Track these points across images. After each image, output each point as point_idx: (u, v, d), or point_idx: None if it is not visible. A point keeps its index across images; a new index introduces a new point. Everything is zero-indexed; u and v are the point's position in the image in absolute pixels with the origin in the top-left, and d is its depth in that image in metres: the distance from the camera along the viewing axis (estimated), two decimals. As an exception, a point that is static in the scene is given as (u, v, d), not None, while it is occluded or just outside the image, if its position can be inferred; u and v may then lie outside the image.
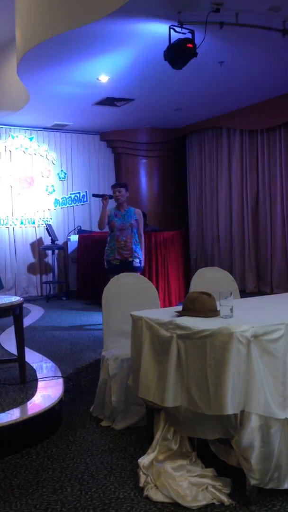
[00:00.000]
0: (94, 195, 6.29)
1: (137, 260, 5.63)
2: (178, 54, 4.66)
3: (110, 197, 5.62)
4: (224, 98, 7.67)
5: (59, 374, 4.01)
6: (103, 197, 5.69)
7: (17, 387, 3.77)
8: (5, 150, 8.97)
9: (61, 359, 4.56)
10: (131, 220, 5.60)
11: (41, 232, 9.23)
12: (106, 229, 5.77)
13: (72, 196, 9.62)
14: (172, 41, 4.64)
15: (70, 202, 9.59)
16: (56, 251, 9.03)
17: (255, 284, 8.39)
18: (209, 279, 4.00)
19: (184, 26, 4.65)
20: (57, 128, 9.27)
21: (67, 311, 7.39)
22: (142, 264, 5.74)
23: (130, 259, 5.56)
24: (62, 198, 9.50)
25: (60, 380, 3.85)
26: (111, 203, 5.74)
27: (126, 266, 5.48)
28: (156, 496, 2.48)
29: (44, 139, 9.34)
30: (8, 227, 8.96)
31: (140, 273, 5.40)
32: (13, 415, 3.18)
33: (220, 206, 9.05)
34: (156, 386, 2.69)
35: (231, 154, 8.84)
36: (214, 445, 2.66)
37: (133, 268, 5.48)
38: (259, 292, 8.23)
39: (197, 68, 5.72)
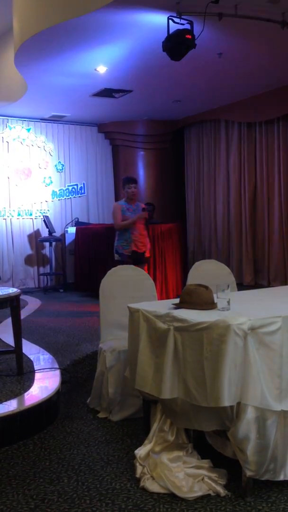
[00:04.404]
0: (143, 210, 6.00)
1: (147, 251, 5.93)
2: (176, 45, 4.63)
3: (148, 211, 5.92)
4: (222, 90, 7.63)
5: (56, 365, 4.02)
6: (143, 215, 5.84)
7: (15, 378, 3.77)
8: (2, 141, 8.92)
9: (58, 351, 4.57)
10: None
11: (39, 224, 9.21)
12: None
13: (70, 188, 9.59)
14: (170, 32, 4.61)
15: (67, 194, 9.56)
16: (54, 243, 9.03)
17: (252, 277, 8.40)
18: (206, 271, 4.00)
19: (182, 17, 4.63)
20: (55, 119, 9.23)
21: (64, 303, 7.40)
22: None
23: (144, 251, 5.83)
24: (59, 190, 9.47)
25: (57, 372, 3.86)
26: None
27: (138, 256, 5.76)
28: (152, 487, 2.49)
29: (42, 130, 9.29)
30: (5, 219, 8.94)
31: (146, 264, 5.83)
32: (10, 406, 3.19)
33: (218, 198, 9.03)
34: (153, 378, 2.70)
35: (229, 146, 8.81)
36: (210, 437, 2.67)
37: (143, 259, 5.82)
38: (256, 285, 8.24)
39: (195, 60, 5.69)
